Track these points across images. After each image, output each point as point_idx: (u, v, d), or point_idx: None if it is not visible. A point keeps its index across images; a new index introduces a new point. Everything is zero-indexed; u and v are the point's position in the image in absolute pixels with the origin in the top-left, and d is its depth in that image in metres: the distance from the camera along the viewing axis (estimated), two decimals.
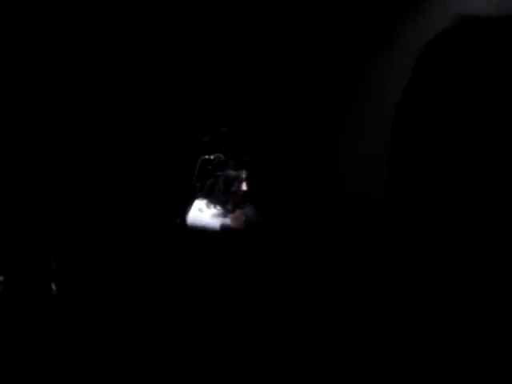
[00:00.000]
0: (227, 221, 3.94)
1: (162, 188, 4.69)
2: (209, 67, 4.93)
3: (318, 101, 5.00)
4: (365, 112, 4.86)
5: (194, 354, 3.59)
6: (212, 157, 3.77)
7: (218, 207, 4.04)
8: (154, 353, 3.77)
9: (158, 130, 4.90)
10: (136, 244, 4.45)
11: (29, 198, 4.52)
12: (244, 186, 4.04)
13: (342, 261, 4.69)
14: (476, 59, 0.82)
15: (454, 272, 0.82)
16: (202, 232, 3.90)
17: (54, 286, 3.99)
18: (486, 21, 0.84)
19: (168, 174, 4.64)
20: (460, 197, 0.79)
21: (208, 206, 4.02)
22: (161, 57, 4.91)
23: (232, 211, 4.02)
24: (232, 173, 4.02)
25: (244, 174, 4.04)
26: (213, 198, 4.03)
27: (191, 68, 4.94)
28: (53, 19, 4.84)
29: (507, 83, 0.79)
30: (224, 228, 3.97)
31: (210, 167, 3.77)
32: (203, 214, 4.00)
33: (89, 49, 4.81)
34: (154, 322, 3.94)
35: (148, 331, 3.93)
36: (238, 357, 3.57)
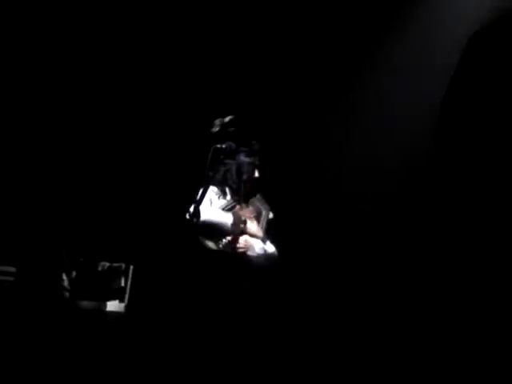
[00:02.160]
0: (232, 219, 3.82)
1: (171, 179, 4.72)
2: (213, 66, 5.02)
3: (318, 100, 5.09)
4: (365, 112, 4.95)
5: (198, 353, 3.58)
6: (224, 145, 3.77)
7: (229, 197, 4.03)
8: (162, 349, 3.75)
9: (166, 122, 4.95)
10: (146, 235, 4.46)
11: (39, 190, 4.51)
12: (257, 173, 4.05)
13: (342, 260, 4.72)
14: None
15: (457, 267, 0.85)
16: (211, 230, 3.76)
17: (65, 277, 3.97)
18: None
19: (178, 166, 4.67)
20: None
21: (219, 196, 4.00)
22: (167, 52, 4.99)
23: (242, 200, 4.00)
24: (245, 159, 4.04)
25: (257, 161, 4.05)
26: (225, 186, 4.03)
27: (195, 65, 5.02)
28: (53, 19, 4.89)
29: None
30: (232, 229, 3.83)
31: (221, 156, 3.78)
32: (212, 206, 3.94)
33: (99, 46, 4.87)
34: (163, 314, 3.92)
35: (156, 324, 3.91)
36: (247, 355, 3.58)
